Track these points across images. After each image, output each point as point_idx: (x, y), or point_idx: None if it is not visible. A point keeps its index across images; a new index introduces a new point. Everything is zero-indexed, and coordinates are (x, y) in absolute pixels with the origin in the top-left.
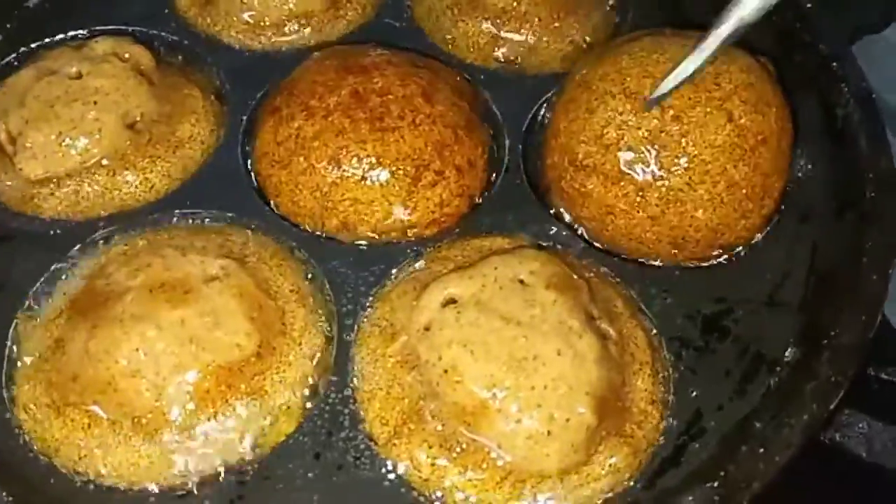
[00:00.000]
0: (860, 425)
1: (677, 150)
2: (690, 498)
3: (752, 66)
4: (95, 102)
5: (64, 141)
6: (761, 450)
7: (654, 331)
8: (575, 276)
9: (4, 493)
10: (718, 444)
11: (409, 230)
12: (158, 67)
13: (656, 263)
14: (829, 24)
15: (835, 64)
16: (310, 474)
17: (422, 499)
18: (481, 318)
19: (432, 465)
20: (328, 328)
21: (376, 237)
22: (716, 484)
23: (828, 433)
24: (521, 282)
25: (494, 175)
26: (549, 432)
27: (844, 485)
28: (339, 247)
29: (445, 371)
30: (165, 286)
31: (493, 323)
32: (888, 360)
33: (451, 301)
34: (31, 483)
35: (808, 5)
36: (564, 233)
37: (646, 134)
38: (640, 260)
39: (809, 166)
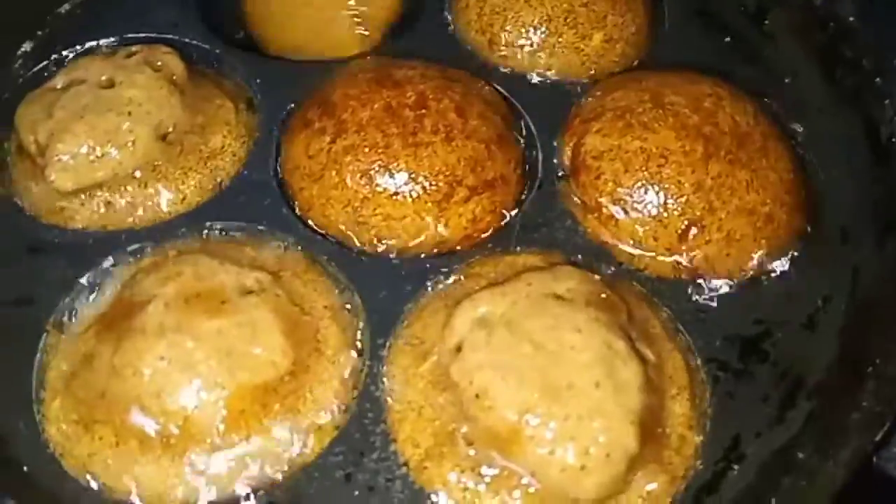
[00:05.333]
0: None
1: None
2: None
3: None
4: (130, 113)
5: (96, 152)
6: (804, 483)
7: (692, 353)
8: (613, 296)
9: None
10: (757, 473)
11: (441, 246)
12: (190, 77)
13: (692, 283)
14: (875, 38)
15: (878, 79)
16: (341, 496)
17: None
18: (512, 339)
19: (465, 489)
20: (360, 345)
21: (409, 253)
22: None
23: None
24: (560, 298)
25: (528, 190)
26: (583, 466)
27: None
28: (371, 262)
29: (477, 395)
30: (201, 296)
31: (524, 346)
32: None
33: (483, 319)
34: (60, 501)
35: (851, 19)
36: (599, 250)
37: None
38: (674, 279)
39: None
